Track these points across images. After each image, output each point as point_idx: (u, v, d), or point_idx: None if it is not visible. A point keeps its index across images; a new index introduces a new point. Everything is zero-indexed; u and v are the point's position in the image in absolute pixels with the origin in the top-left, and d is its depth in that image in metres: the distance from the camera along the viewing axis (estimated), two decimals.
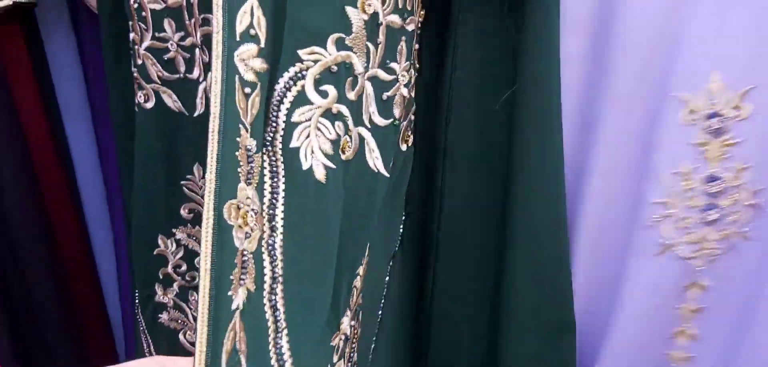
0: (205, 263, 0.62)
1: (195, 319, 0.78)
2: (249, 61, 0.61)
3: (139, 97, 0.73)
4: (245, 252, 0.64)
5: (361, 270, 0.77)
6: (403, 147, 0.80)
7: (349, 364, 0.80)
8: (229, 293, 0.63)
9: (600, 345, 0.89)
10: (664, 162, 0.77)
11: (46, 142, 0.97)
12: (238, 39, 0.61)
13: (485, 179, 0.86)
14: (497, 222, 0.86)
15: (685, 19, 0.72)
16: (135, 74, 0.73)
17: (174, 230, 0.77)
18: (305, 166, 0.66)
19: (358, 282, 0.77)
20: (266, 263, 0.66)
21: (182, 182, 0.75)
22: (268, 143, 0.65)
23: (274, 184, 0.66)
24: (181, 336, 0.79)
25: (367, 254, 0.77)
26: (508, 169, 0.83)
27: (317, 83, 0.65)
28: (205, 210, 0.61)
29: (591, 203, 0.83)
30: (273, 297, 0.66)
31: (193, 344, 0.79)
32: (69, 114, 0.99)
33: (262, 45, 0.62)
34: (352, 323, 0.79)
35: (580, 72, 0.80)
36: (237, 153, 0.62)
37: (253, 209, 0.64)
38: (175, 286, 0.78)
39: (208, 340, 0.62)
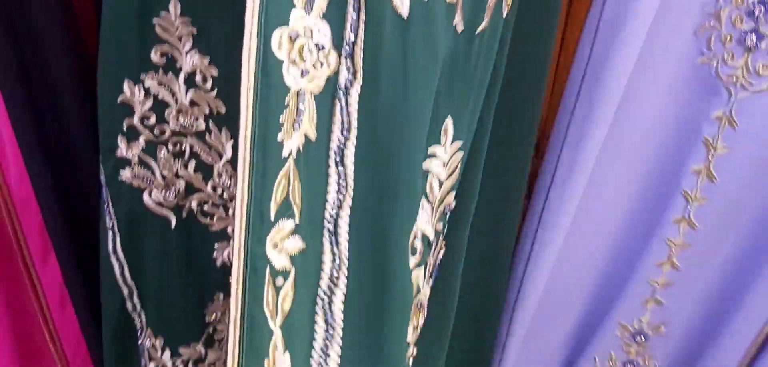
0: (247, 98, 0.52)
1: (164, 178, 0.71)
2: None
3: None
4: (303, 93, 0.54)
5: (448, 182, 0.66)
6: (505, 11, 0.63)
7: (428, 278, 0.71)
8: (280, 138, 0.54)
9: None
10: None
11: None
12: None
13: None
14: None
15: None
16: None
17: (143, 76, 0.66)
18: None
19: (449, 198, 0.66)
20: (337, 109, 0.55)
21: (155, 19, 0.64)
22: None
23: (356, 15, 0.54)
24: (145, 196, 0.70)
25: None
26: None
27: None
28: (247, 37, 0.50)
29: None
30: (340, 151, 0.57)
31: (159, 204, 0.72)
32: None
33: None
34: (435, 240, 0.69)
35: None
36: None
37: (316, 44, 0.53)
38: (142, 140, 0.68)
39: (252, 187, 0.54)
